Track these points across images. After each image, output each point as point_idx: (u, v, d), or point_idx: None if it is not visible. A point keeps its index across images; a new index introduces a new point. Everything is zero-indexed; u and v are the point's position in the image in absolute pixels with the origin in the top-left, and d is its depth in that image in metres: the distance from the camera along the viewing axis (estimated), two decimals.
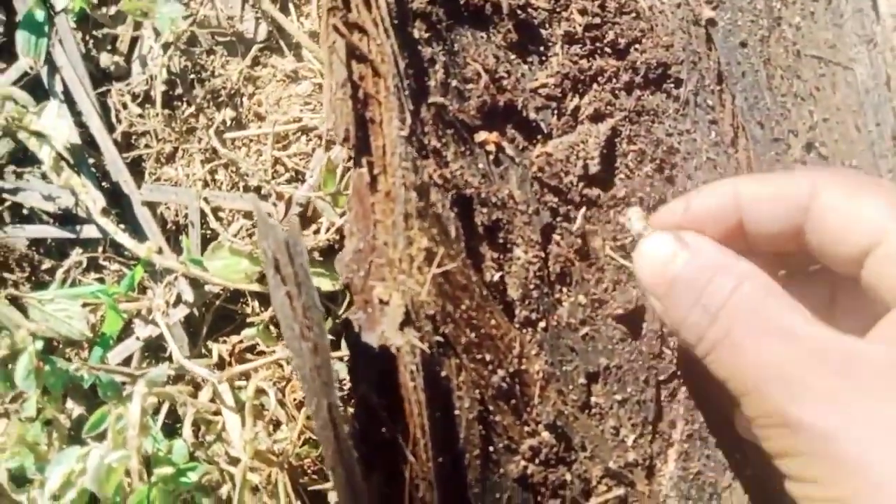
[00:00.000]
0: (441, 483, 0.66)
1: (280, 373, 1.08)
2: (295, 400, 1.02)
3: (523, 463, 0.76)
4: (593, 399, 0.87)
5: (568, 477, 0.78)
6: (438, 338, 0.70)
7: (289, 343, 0.59)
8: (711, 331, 0.69)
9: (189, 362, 0.98)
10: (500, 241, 0.83)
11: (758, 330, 0.66)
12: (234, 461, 1.01)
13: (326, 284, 1.09)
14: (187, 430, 0.99)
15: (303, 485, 1.03)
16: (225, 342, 1.11)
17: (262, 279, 1.12)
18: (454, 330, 0.72)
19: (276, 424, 1.10)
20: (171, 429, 1.13)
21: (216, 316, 1.17)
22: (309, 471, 1.06)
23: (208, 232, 1.18)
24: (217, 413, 1.06)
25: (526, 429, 0.77)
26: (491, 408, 0.74)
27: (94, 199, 1.15)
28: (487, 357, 0.75)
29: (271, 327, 1.12)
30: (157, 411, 1.04)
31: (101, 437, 1.02)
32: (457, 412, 0.71)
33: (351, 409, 0.72)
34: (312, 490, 1.04)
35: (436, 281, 0.70)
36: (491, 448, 0.74)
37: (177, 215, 1.21)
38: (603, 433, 0.85)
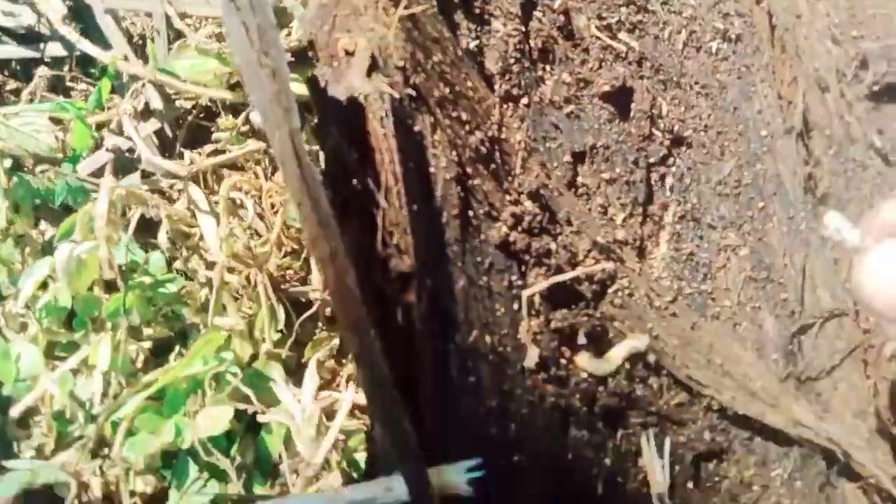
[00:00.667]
0: (416, 232, 0.62)
1: (256, 183, 1.04)
2: (273, 206, 0.99)
3: (505, 229, 0.72)
4: (580, 179, 0.83)
5: (553, 246, 0.75)
6: (409, 90, 0.66)
7: (246, 78, 0.54)
8: None
9: (160, 159, 0.93)
10: (477, 11, 0.77)
11: None
12: (212, 268, 0.97)
13: (300, 88, 1.03)
14: (162, 236, 0.96)
15: (284, 291, 1.00)
16: (199, 153, 1.07)
17: (233, 86, 1.07)
18: (426, 82, 0.67)
19: (256, 234, 1.07)
20: (147, 247, 1.09)
21: (189, 134, 1.12)
22: (290, 280, 1.04)
23: (175, 41, 1.12)
24: (192, 225, 1.03)
25: (507, 197, 0.73)
26: (469, 170, 0.70)
27: (53, 8, 1.08)
28: (464, 116, 0.70)
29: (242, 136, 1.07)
30: (126, 226, 1.00)
31: None
32: (432, 170, 0.67)
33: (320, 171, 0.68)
34: (294, 296, 1.01)
35: (404, 24, 0.65)
36: (470, 212, 0.71)
37: (143, 29, 1.15)
38: (590, 211, 0.82)
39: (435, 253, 0.65)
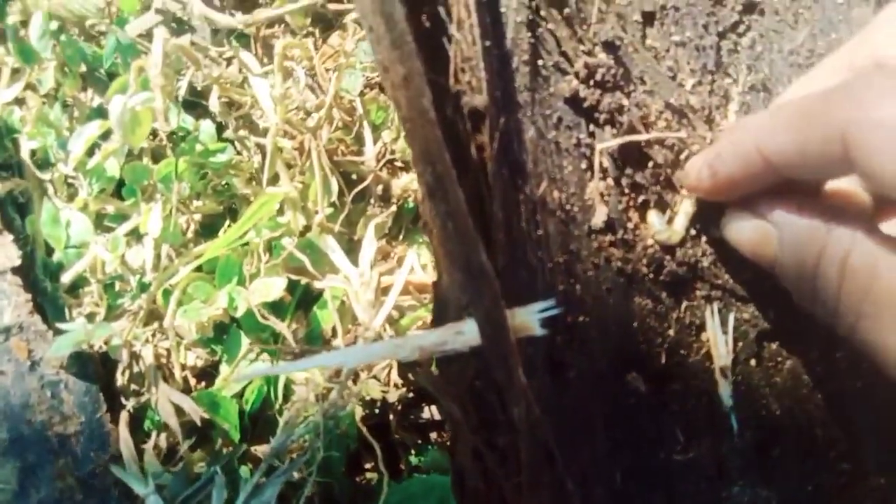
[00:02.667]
0: (489, 70, 0.59)
1: (308, 52, 1.00)
2: (327, 71, 0.95)
3: (576, 83, 0.69)
4: (648, 41, 0.79)
5: (625, 103, 0.71)
6: None
7: None
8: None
9: (215, 13, 0.90)
10: None
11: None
12: (264, 135, 0.95)
13: None
14: (213, 101, 0.93)
15: (336, 164, 0.97)
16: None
17: None
18: None
19: (307, 113, 1.04)
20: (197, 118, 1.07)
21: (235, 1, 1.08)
22: (343, 154, 1.01)
23: None
24: (243, 94, 1.00)
25: (581, 47, 0.69)
26: (543, 13, 0.66)
27: None
28: None
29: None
30: (177, 92, 0.97)
31: None
32: (503, 9, 0.64)
33: None
34: (346, 170, 0.99)
35: None
36: (540, 62, 0.67)
37: None
38: (662, 73, 0.78)
39: (506, 96, 0.62)
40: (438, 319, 0.63)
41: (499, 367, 0.54)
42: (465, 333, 0.56)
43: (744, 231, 0.69)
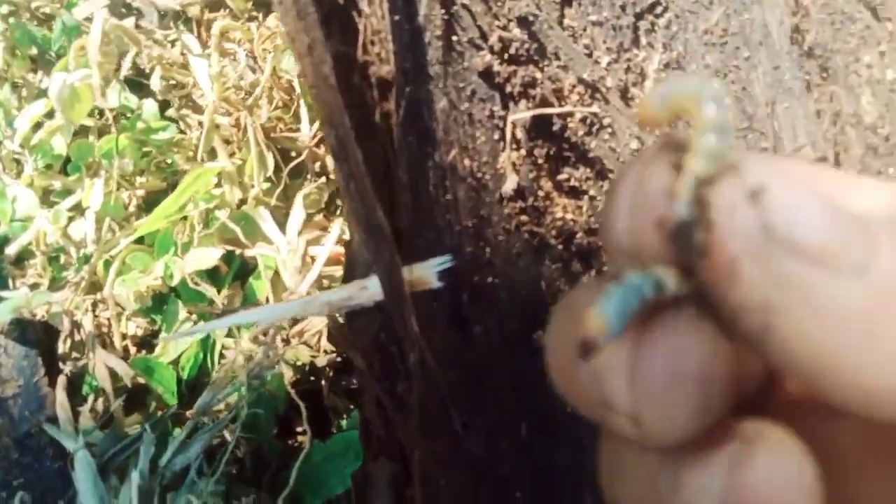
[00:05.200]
0: (398, 42, 0.62)
1: (248, 33, 1.02)
2: (264, 51, 0.97)
3: (489, 56, 0.71)
4: (566, 21, 0.82)
5: (538, 76, 0.74)
6: None
7: None
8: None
9: None
10: None
11: None
12: (204, 113, 0.97)
13: None
14: (155, 80, 0.94)
15: (274, 140, 0.99)
16: None
17: None
18: None
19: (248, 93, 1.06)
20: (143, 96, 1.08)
21: None
22: (281, 131, 1.03)
23: None
24: (185, 74, 1.01)
25: (496, 22, 0.72)
26: None
27: None
28: None
29: None
30: (118, 68, 0.98)
31: None
32: None
33: None
34: (283, 147, 1.01)
35: None
36: (455, 38, 0.69)
37: None
38: (578, 50, 0.81)
39: (416, 68, 0.64)
40: (348, 277, 0.65)
41: (396, 317, 0.57)
42: (369, 289, 0.58)
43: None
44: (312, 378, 0.94)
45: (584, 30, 0.82)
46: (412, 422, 0.57)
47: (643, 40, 0.86)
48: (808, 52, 0.87)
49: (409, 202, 0.62)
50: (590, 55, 0.82)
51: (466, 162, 0.69)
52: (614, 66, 0.84)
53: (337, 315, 0.65)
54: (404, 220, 0.61)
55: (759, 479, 0.35)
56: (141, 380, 0.95)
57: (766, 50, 0.87)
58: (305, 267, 0.88)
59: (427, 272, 0.56)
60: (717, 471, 0.35)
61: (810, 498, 0.34)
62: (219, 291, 0.96)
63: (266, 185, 0.99)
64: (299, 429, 0.92)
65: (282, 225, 0.97)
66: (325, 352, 0.93)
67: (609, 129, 0.81)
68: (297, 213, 0.92)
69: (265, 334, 0.88)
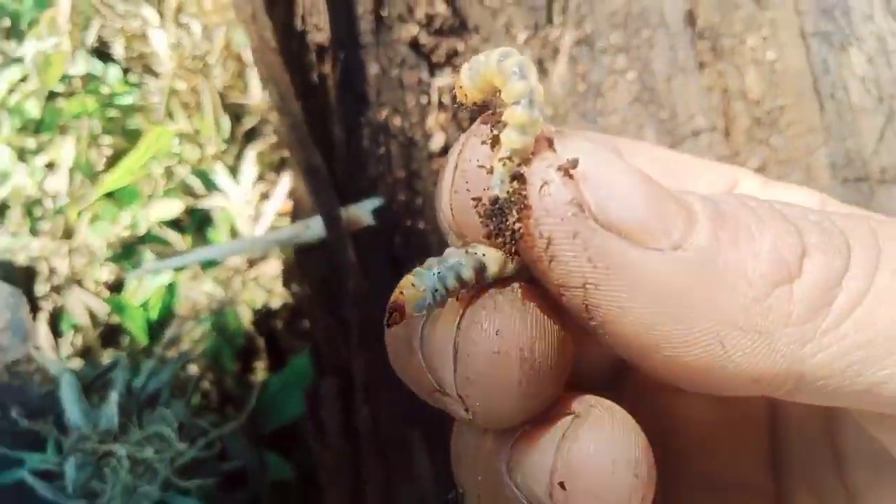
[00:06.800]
0: (332, 13, 0.71)
1: (203, 8, 1.10)
2: (216, 24, 1.05)
3: (416, 29, 0.81)
4: (486, 2, 0.92)
5: (461, 47, 0.84)
6: None
7: None
8: None
9: None
10: None
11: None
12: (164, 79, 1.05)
13: None
14: (118, 49, 1.03)
15: (229, 106, 1.08)
16: None
17: None
18: None
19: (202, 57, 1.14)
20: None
21: None
22: (235, 98, 1.11)
23: None
24: (145, 46, 1.10)
25: None
26: None
27: None
28: None
29: None
30: (84, 39, 1.06)
31: None
32: None
33: None
34: (238, 111, 1.09)
35: None
36: (384, 12, 0.79)
37: None
38: (498, 27, 0.91)
39: (350, 38, 0.74)
40: (295, 218, 0.75)
41: (336, 250, 0.67)
42: (312, 227, 0.68)
43: None
44: (269, 319, 1.04)
45: (502, 9, 0.92)
46: (353, 339, 0.67)
47: (556, 20, 0.96)
48: (700, 33, 0.98)
49: (344, 154, 0.71)
50: (507, 31, 0.92)
51: (398, 121, 0.79)
52: (531, 41, 0.94)
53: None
54: (340, 170, 0.71)
55: (585, 452, 0.34)
56: (115, 319, 1.04)
57: (664, 31, 0.98)
58: (259, 217, 0.97)
59: (362, 211, 0.66)
60: (548, 447, 0.35)
61: (638, 470, 0.34)
62: (182, 239, 1.05)
63: (224, 147, 1.08)
64: (258, 364, 1.01)
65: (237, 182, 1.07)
66: (280, 296, 1.03)
67: None
68: (249, 166, 1.01)
69: (225, 279, 0.98)
